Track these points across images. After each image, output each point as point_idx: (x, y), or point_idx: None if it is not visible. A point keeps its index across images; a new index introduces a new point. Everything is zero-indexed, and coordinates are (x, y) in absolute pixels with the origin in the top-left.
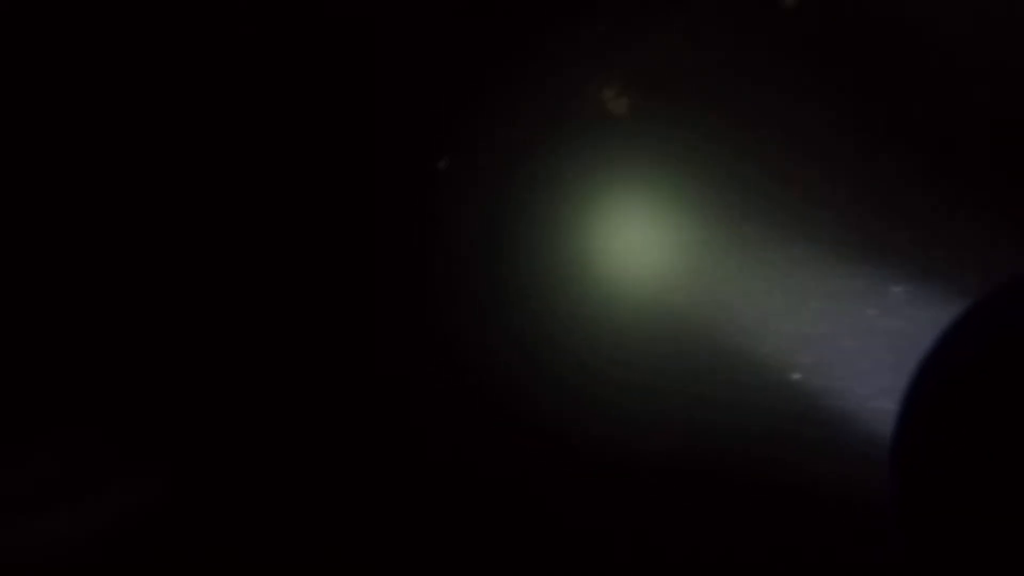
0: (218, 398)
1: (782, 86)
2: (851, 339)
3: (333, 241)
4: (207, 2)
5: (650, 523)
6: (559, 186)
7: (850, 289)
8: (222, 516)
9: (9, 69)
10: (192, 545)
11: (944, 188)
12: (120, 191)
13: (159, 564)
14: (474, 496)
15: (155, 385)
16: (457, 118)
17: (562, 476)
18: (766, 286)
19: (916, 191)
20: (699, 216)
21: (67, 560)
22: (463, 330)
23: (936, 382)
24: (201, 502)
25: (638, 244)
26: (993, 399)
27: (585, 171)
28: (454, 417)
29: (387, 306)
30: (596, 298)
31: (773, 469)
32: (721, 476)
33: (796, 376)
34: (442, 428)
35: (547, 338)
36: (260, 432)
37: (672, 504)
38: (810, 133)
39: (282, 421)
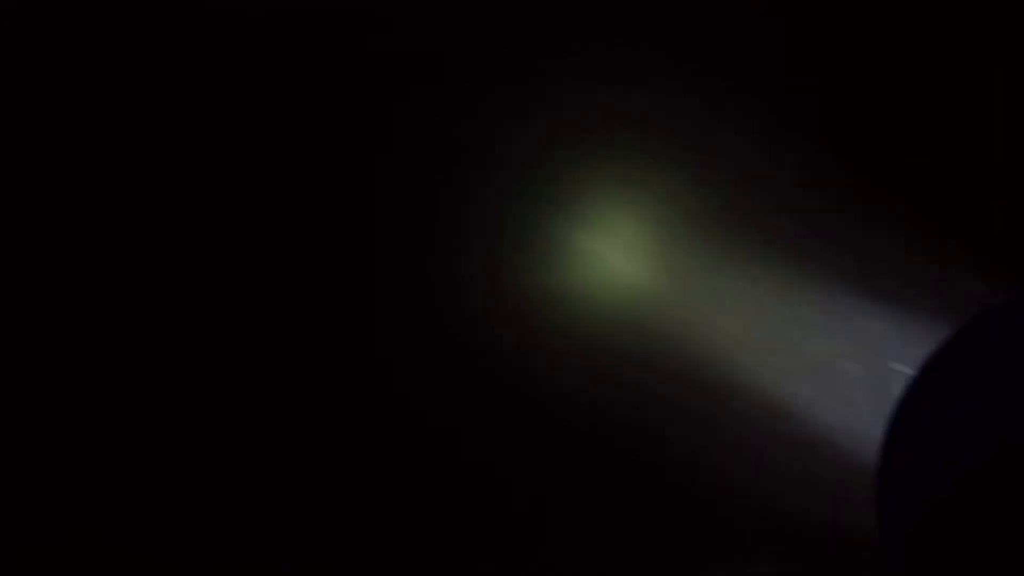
0: (221, 394)
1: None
2: (833, 363)
3: (335, 241)
4: (207, 4)
5: (641, 523)
6: (558, 192)
7: (832, 316)
8: (221, 515)
9: (9, 69)
10: (191, 544)
11: (918, 224)
12: (120, 191)
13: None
14: (471, 488)
15: (157, 383)
16: (459, 121)
17: (559, 475)
18: (753, 306)
19: (892, 228)
20: (695, 239)
21: (68, 557)
22: (463, 333)
23: (916, 413)
24: (200, 501)
25: (633, 253)
26: (972, 426)
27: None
28: (456, 417)
29: (387, 304)
30: (591, 306)
31: (756, 495)
32: (712, 492)
33: (777, 399)
34: (443, 427)
35: (544, 343)
36: (261, 427)
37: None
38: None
39: (283, 416)
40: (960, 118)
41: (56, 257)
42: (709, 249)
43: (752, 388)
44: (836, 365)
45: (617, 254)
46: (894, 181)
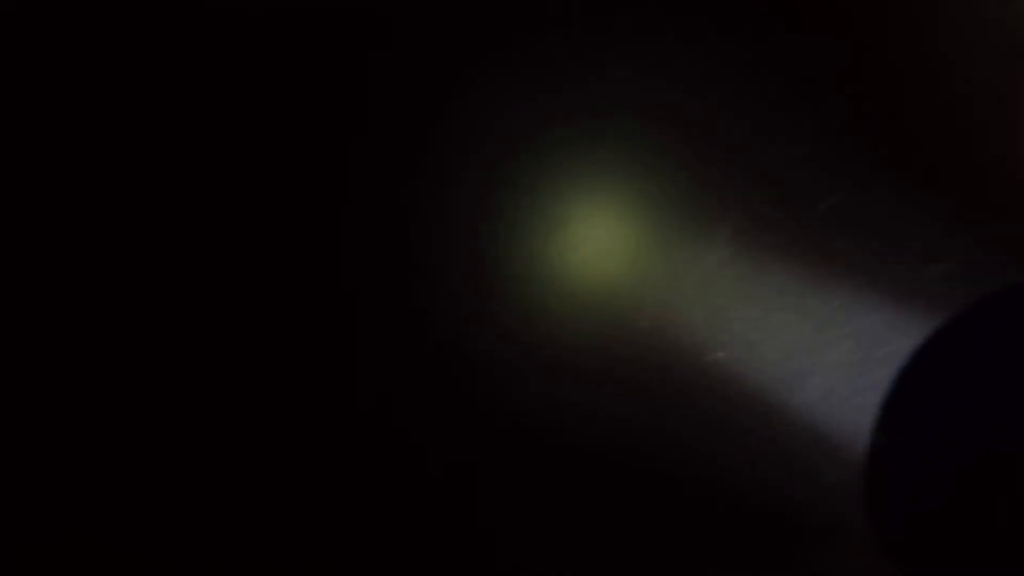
0: (205, 399)
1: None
2: (823, 353)
3: (318, 242)
4: (200, 3)
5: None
6: (541, 187)
7: (824, 304)
8: (215, 516)
9: (9, 69)
10: (190, 544)
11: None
12: (113, 191)
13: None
14: (461, 495)
15: (143, 386)
16: (442, 117)
17: (543, 471)
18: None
19: (891, 215)
20: (679, 228)
21: (67, 556)
22: (447, 329)
23: (906, 406)
24: (194, 501)
25: (617, 246)
26: (965, 423)
27: (568, 174)
28: (440, 415)
29: (371, 304)
30: (578, 300)
31: (747, 489)
32: (700, 487)
33: (757, 386)
34: (428, 424)
35: (529, 338)
36: (247, 433)
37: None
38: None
39: (269, 420)
40: (959, 112)
41: (48, 252)
42: (705, 243)
43: (750, 385)
44: (835, 358)
45: (609, 247)
46: (891, 166)
